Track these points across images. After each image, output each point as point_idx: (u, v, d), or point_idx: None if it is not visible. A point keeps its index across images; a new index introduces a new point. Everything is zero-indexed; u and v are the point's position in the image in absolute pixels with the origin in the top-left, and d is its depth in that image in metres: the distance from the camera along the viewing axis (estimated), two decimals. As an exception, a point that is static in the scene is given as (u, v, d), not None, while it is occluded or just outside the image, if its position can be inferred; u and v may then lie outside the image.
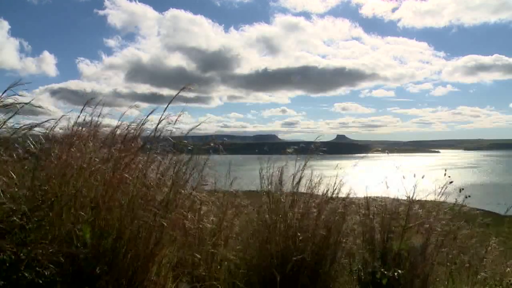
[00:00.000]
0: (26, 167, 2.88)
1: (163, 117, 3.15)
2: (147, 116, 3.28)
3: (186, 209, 3.26)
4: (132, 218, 2.79)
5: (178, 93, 3.15)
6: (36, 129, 3.21)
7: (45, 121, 3.21)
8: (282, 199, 3.80)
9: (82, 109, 3.40)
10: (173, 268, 3.12)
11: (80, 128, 3.36)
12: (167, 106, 3.14)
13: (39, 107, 3.05)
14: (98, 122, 3.50)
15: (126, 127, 3.36)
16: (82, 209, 2.74)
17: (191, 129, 3.30)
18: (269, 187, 3.89)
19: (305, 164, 3.95)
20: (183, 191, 3.18)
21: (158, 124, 3.16)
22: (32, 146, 2.95)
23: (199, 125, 3.36)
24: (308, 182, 4.00)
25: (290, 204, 3.81)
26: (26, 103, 2.93)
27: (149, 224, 2.82)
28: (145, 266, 2.81)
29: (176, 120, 3.16)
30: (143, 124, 3.26)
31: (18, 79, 2.90)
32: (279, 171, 3.93)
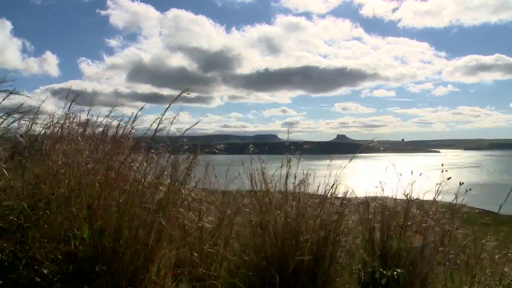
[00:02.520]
0: (21, 165, 2.88)
1: (163, 118, 3.15)
2: (137, 114, 3.28)
3: (185, 208, 3.25)
4: (130, 217, 2.78)
5: (178, 97, 3.15)
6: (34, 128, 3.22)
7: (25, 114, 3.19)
8: (270, 199, 3.78)
9: (69, 107, 3.40)
10: (172, 267, 3.12)
11: (75, 127, 3.37)
12: (167, 108, 3.14)
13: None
14: (93, 121, 3.51)
15: (117, 126, 3.37)
16: (79, 207, 2.73)
17: (188, 129, 3.29)
18: (257, 187, 3.88)
19: (292, 163, 3.93)
20: (183, 190, 3.18)
21: (155, 123, 3.15)
22: (26, 144, 2.95)
23: (195, 124, 3.35)
24: (303, 181, 3.98)
25: (282, 203, 3.79)
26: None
27: (148, 223, 2.81)
28: (144, 266, 2.81)
29: (173, 119, 3.16)
30: (134, 121, 3.25)
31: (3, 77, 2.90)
32: (264, 170, 3.91)
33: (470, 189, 4.06)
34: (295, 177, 3.92)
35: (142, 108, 3.35)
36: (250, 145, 4.08)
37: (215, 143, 3.52)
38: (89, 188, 2.81)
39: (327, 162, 4.09)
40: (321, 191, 3.98)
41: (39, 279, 2.31)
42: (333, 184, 3.91)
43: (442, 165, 4.00)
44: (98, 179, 2.83)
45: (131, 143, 3.14)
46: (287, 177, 3.87)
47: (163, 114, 3.13)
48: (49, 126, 3.38)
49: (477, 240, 4.87)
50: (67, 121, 3.40)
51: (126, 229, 2.76)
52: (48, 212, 2.55)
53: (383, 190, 4.21)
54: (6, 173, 2.65)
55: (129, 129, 3.25)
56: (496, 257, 5.34)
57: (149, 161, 3.13)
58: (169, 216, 2.91)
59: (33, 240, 2.40)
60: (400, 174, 4.02)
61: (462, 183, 3.99)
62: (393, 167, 4.05)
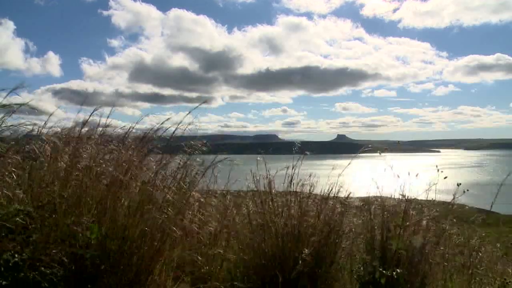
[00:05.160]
0: (29, 167, 2.88)
1: (164, 119, 3.20)
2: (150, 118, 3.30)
3: (192, 211, 3.27)
4: (139, 219, 2.79)
5: (198, 106, 3.19)
6: (38, 128, 3.23)
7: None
8: (273, 200, 3.78)
9: (89, 117, 3.40)
10: (174, 268, 3.13)
11: (84, 129, 3.37)
12: (188, 114, 3.19)
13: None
14: (103, 123, 3.51)
15: (130, 128, 3.39)
16: (87, 209, 2.73)
17: (215, 133, 3.32)
18: (258, 187, 3.88)
19: (296, 164, 3.92)
20: (194, 193, 3.21)
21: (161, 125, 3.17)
22: (35, 147, 2.96)
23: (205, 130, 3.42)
24: (304, 181, 3.98)
25: (284, 204, 3.79)
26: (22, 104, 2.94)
27: (156, 225, 2.82)
28: (148, 266, 2.82)
29: (187, 126, 3.21)
30: (156, 130, 3.29)
31: (21, 81, 2.94)
32: (269, 171, 3.91)
33: (467, 190, 4.08)
34: (296, 177, 3.92)
35: (167, 119, 3.37)
36: (260, 151, 4.10)
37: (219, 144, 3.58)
38: (98, 190, 2.81)
39: (328, 162, 4.09)
40: (323, 192, 3.98)
41: (43, 280, 2.30)
42: (335, 185, 3.92)
43: (437, 166, 4.00)
44: (111, 181, 2.84)
45: (145, 147, 3.18)
46: (292, 178, 3.88)
47: (179, 123, 3.18)
48: (56, 128, 3.39)
49: (478, 239, 4.88)
50: (74, 123, 3.42)
51: (134, 231, 2.76)
52: (53, 216, 2.55)
53: (378, 189, 4.21)
54: (14, 175, 2.66)
55: (151, 134, 3.28)
56: (496, 255, 5.35)
57: (158, 163, 3.15)
58: (176, 219, 2.92)
59: (38, 241, 2.40)
60: (398, 176, 4.02)
61: (460, 184, 4.00)
62: (393, 167, 4.06)
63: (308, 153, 4.01)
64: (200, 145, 3.34)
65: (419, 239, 3.83)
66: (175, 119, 3.28)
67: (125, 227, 2.75)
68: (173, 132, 3.21)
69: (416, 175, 4.03)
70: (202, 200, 3.44)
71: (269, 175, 3.89)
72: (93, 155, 2.99)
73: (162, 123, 3.32)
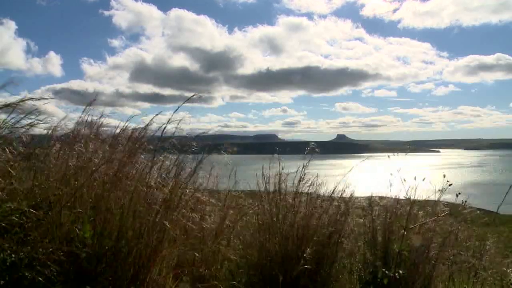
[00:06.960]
0: (25, 166, 2.87)
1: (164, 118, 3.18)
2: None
3: (188, 209, 3.26)
4: (133, 218, 2.78)
5: (188, 100, 3.19)
6: (36, 129, 3.22)
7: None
8: (281, 200, 3.78)
9: (83, 111, 3.40)
10: (174, 267, 3.12)
11: (82, 128, 3.37)
12: (176, 109, 3.18)
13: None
14: (100, 122, 3.51)
15: (127, 128, 3.38)
16: (82, 208, 2.72)
17: (215, 133, 3.33)
18: (267, 187, 3.88)
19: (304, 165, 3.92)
20: (187, 191, 3.19)
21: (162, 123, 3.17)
22: (32, 145, 2.95)
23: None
24: (307, 182, 3.98)
25: (290, 204, 3.79)
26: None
27: (151, 223, 2.81)
28: (146, 266, 2.81)
29: (179, 123, 3.20)
30: (146, 126, 3.28)
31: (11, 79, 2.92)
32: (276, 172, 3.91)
33: (467, 201, 4.10)
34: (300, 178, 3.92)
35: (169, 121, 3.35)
36: (278, 149, 4.10)
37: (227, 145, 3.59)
38: (93, 189, 2.81)
39: (328, 162, 4.10)
40: (325, 192, 3.98)
41: (41, 279, 2.30)
42: (337, 185, 3.92)
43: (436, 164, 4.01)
44: (105, 179, 2.83)
45: (140, 145, 3.16)
46: (300, 179, 3.88)
47: (170, 119, 3.16)
48: (56, 128, 3.38)
49: (479, 240, 4.87)
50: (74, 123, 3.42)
51: (129, 230, 2.76)
52: (49, 213, 2.54)
53: (380, 189, 4.21)
54: (13, 173, 2.65)
55: (142, 133, 3.27)
56: (497, 259, 5.34)
57: (154, 162, 3.14)
58: (172, 217, 2.91)
59: (34, 240, 2.39)
60: (398, 177, 4.02)
61: (450, 184, 3.98)
62: (395, 168, 4.05)
63: (307, 150, 4.01)
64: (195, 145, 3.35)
65: (421, 240, 3.83)
66: (176, 118, 3.27)
67: (119, 226, 2.74)
68: (162, 128, 3.19)
69: (423, 180, 4.02)
70: (200, 197, 3.42)
71: (270, 175, 3.90)
72: (88, 155, 2.99)
73: (164, 124, 3.31)
